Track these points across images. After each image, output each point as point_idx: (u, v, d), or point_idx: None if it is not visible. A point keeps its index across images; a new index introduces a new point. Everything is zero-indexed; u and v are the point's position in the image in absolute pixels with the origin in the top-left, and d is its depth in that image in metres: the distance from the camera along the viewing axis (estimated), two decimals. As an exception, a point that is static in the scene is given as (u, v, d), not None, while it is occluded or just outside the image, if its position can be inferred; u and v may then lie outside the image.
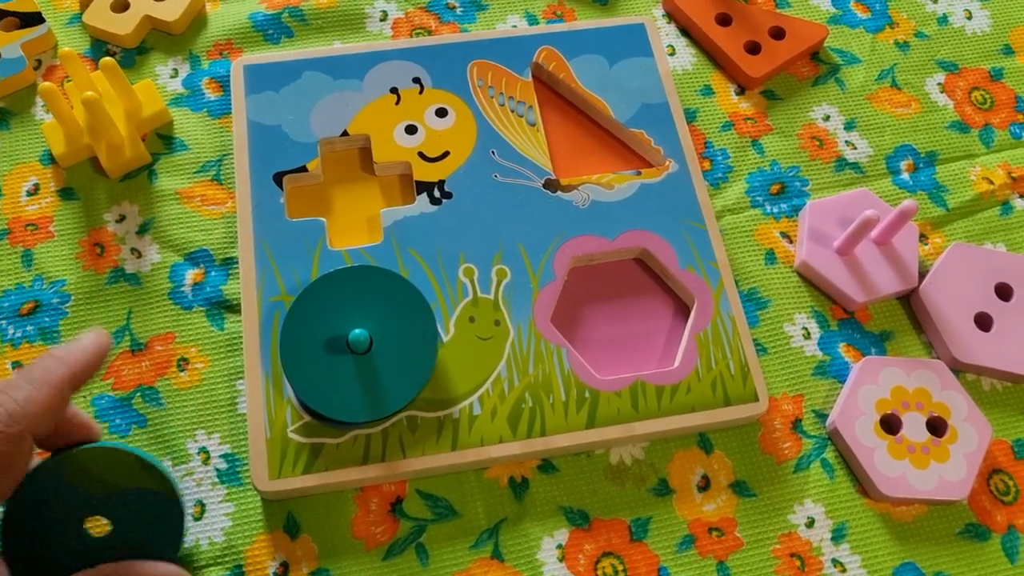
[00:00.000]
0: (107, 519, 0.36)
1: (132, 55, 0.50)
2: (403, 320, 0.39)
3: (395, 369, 0.39)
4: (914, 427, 0.42)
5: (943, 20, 0.55)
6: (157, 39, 0.51)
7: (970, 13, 0.56)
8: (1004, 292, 0.46)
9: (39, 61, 0.50)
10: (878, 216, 0.43)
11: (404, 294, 0.40)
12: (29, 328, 0.43)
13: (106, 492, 0.35)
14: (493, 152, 0.46)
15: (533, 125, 0.47)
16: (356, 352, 0.39)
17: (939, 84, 0.53)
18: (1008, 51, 0.54)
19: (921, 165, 0.50)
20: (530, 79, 0.49)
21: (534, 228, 0.44)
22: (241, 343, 0.42)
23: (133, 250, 0.45)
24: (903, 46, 0.54)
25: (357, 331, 0.38)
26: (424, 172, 0.46)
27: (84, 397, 0.41)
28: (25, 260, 0.44)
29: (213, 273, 0.45)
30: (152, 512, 0.36)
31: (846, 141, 0.50)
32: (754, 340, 0.44)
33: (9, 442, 0.31)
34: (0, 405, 0.31)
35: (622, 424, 0.40)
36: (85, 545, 0.35)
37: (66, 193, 0.46)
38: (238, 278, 0.43)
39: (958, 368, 0.44)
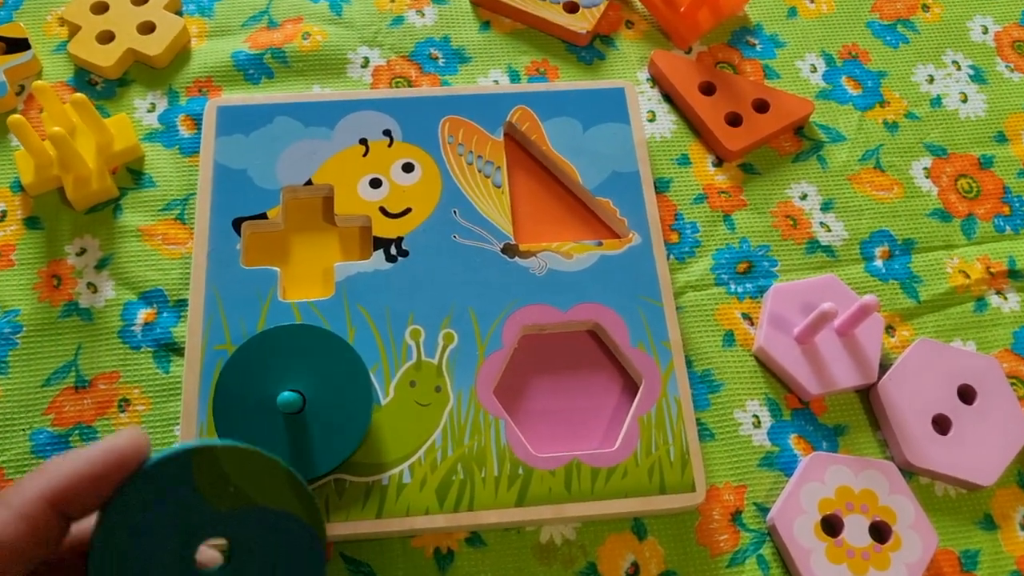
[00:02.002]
0: (227, 543, 0.29)
1: (113, 86, 0.51)
2: (339, 384, 0.39)
3: (325, 433, 0.38)
4: (856, 531, 0.40)
5: (936, 102, 0.54)
6: (140, 71, 0.51)
7: (966, 96, 0.54)
8: (967, 394, 0.44)
9: (22, 87, 0.50)
10: (836, 311, 0.42)
11: (343, 357, 0.39)
12: (-21, 356, 0.43)
13: (237, 509, 0.28)
14: (455, 212, 0.46)
15: (499, 187, 0.47)
16: (286, 413, 0.38)
17: (925, 169, 0.51)
18: (1001, 138, 0.53)
19: (897, 253, 0.49)
20: (501, 138, 0.48)
21: (487, 293, 0.44)
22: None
23: (89, 284, 0.45)
24: (892, 126, 0.53)
25: (286, 393, 0.38)
26: (384, 228, 0.45)
27: (23, 431, 0.42)
28: (-17, 287, 0.45)
29: (165, 314, 0.45)
30: (288, 550, 0.29)
31: (821, 222, 0.49)
32: (702, 425, 0.43)
33: None
34: None
35: (552, 504, 0.40)
36: None
37: (31, 222, 0.47)
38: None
39: (911, 471, 0.43)
